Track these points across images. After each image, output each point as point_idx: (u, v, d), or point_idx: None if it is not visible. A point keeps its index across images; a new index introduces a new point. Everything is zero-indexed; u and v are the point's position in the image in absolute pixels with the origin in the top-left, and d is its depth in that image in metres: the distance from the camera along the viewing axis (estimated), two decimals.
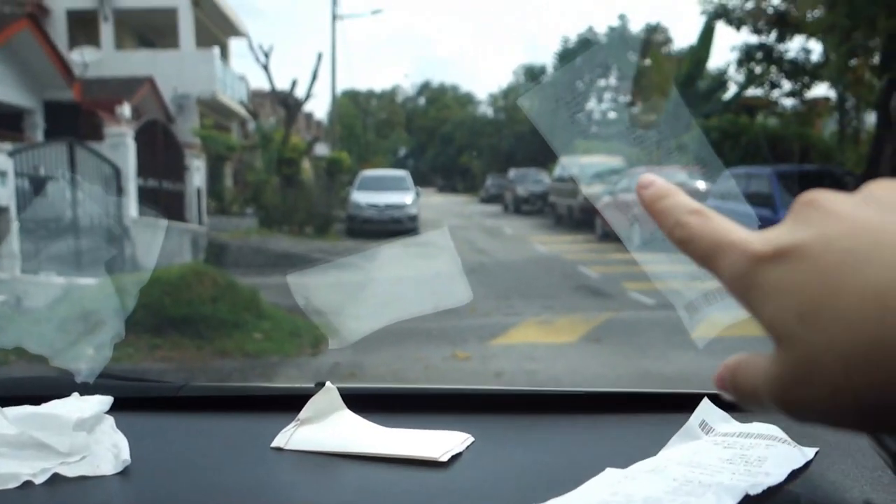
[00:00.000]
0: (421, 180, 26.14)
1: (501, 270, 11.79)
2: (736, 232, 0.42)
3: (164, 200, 13.69)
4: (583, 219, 19.25)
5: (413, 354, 6.20)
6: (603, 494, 0.68)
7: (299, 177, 19.18)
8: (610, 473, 0.74)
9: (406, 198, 18.83)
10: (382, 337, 4.07)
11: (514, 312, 8.29)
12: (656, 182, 0.49)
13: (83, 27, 20.14)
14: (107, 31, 20.87)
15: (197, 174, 15.25)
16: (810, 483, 0.74)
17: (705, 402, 0.87)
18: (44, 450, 0.75)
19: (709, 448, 0.80)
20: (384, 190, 18.93)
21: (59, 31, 19.14)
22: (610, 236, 16.78)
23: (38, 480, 0.73)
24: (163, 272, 7.81)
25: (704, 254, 0.43)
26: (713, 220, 0.44)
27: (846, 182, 12.31)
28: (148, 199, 12.69)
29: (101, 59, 17.82)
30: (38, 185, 9.69)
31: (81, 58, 16.72)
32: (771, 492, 0.70)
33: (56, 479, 0.74)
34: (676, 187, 0.49)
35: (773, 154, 14.45)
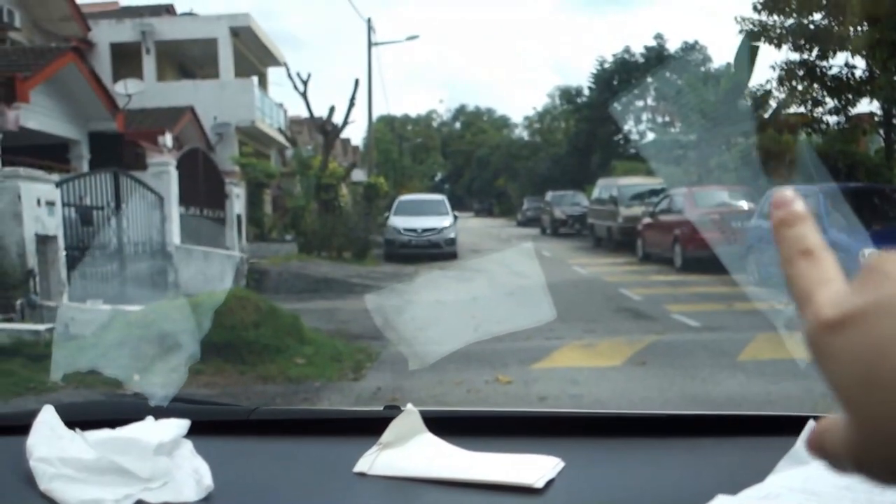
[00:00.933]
0: (457, 204, 26.19)
1: None
2: (822, 289, 0.41)
3: (205, 227, 13.87)
4: (623, 240, 19.07)
5: (454, 378, 6.13)
6: None
7: (337, 202, 19.32)
8: (722, 501, 0.69)
9: (444, 221, 18.82)
10: (421, 361, 4.01)
11: (555, 336, 8.18)
12: (789, 205, 0.46)
13: (126, 59, 20.65)
14: (149, 62, 21.37)
15: (237, 201, 15.45)
16: None
17: (812, 424, 0.82)
18: (125, 475, 0.73)
19: (822, 473, 0.74)
20: (421, 214, 18.96)
21: (103, 63, 19.67)
22: (651, 257, 16.58)
23: None
24: (205, 298, 7.84)
25: (798, 300, 0.42)
26: (815, 269, 0.43)
27: (895, 200, 12.03)
28: (190, 226, 12.88)
29: (143, 91, 18.20)
30: (84, 214, 9.89)
31: (125, 89, 17.10)
32: None
33: None
34: (807, 213, 0.46)
35: (818, 173, 14.18)
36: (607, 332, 8.52)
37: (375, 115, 32.20)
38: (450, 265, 16.76)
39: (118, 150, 14.68)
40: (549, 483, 0.77)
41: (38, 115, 12.78)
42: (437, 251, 18.04)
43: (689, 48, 40.92)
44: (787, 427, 0.83)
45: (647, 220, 16.98)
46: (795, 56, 18.96)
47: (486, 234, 27.80)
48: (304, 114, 21.18)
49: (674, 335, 8.19)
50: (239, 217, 15.56)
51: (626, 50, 42.08)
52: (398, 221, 18.83)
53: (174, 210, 12.02)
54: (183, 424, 0.81)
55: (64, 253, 8.72)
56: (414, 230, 18.42)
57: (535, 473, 0.76)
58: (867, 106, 19.95)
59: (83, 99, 14.28)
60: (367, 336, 8.45)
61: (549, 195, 30.69)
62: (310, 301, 11.57)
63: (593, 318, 9.42)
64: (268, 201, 20.23)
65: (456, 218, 19.81)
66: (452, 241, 18.61)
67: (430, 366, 4.10)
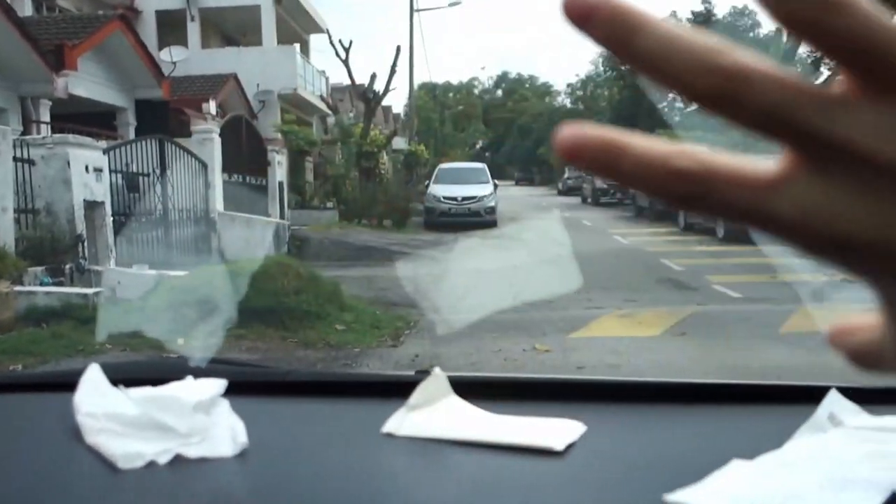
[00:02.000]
0: (498, 173, 26.07)
1: (581, 263, 11.57)
2: None
3: (247, 194, 14.04)
4: (664, 210, 18.82)
5: (492, 346, 6.17)
6: (733, 487, 0.65)
7: (378, 170, 19.37)
8: (737, 465, 0.70)
9: (484, 190, 18.77)
10: (461, 328, 4.06)
11: (594, 305, 8.15)
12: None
13: (171, 27, 20.82)
14: (193, 30, 21.51)
15: (279, 168, 15.58)
16: None
17: (833, 393, 0.82)
18: (165, 431, 0.77)
19: (841, 442, 0.75)
20: (462, 182, 18.92)
21: (148, 31, 19.86)
22: (694, 228, 16.35)
23: (162, 460, 0.74)
24: (247, 264, 8.00)
25: None
26: None
27: None
28: (232, 193, 13.04)
29: (188, 58, 18.36)
30: (130, 181, 10.08)
31: (170, 57, 17.27)
32: None
33: (177, 459, 0.75)
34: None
35: None
36: (647, 302, 8.46)
37: (417, 82, 32.10)
38: (489, 234, 16.76)
39: (163, 118, 14.88)
40: (571, 446, 0.79)
41: (85, 82, 13.00)
42: (476, 220, 18.01)
43: (738, 13, 39.80)
44: (809, 396, 0.84)
45: None
46: None
47: (526, 203, 27.64)
48: (346, 81, 21.19)
49: (714, 306, 8.10)
50: (281, 184, 15.71)
51: (673, 14, 41.05)
52: (438, 190, 18.82)
53: (217, 177, 12.18)
54: (221, 384, 0.85)
55: (111, 219, 8.92)
56: (454, 198, 18.40)
57: (556, 436, 0.78)
58: None
59: (129, 66, 14.47)
60: (405, 303, 8.52)
61: None
62: (350, 268, 11.68)
63: (634, 288, 9.36)
64: (309, 169, 20.36)
65: (496, 186, 19.72)
66: (492, 210, 18.55)
67: (468, 333, 4.14)
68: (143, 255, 9.69)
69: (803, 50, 21.36)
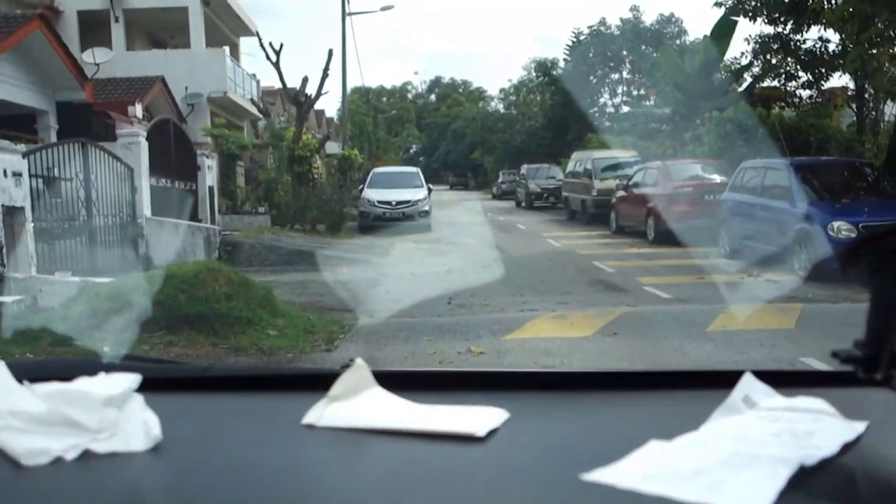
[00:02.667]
0: (433, 177, 26.10)
1: (515, 266, 11.73)
2: None
3: (176, 199, 13.71)
4: (597, 213, 19.16)
5: (427, 349, 6.17)
6: (649, 466, 0.66)
7: (311, 174, 19.17)
8: (654, 445, 0.71)
9: (418, 194, 18.80)
10: (396, 332, 4.09)
11: (528, 307, 8.24)
12: None
13: (94, 28, 20.19)
14: (117, 31, 20.92)
15: (209, 173, 15.28)
16: (864, 458, 0.72)
17: (748, 376, 0.84)
18: (73, 426, 0.74)
19: (754, 422, 0.77)
20: (396, 187, 18.91)
21: (70, 32, 19.19)
22: (625, 231, 16.69)
23: (69, 456, 0.71)
24: (177, 269, 7.81)
25: None
26: None
27: (866, 174, 12.16)
28: (161, 198, 12.72)
29: (112, 60, 17.84)
30: (52, 185, 9.72)
31: (93, 59, 16.75)
32: (825, 464, 0.67)
33: (87, 455, 0.72)
34: None
35: (790, 146, 14.30)
36: (580, 303, 8.59)
37: (350, 86, 31.87)
38: (424, 238, 16.77)
39: (87, 121, 14.42)
40: (493, 432, 0.79)
41: (4, 84, 12.51)
42: (411, 223, 18.02)
43: (665, 21, 40.88)
44: (726, 381, 0.86)
45: (620, 193, 17.06)
46: (770, 29, 19.06)
47: (461, 207, 27.79)
48: (278, 84, 20.92)
49: (645, 306, 8.27)
50: (211, 189, 15.40)
51: (602, 22, 41.90)
52: (372, 194, 18.78)
53: (144, 181, 11.86)
54: (133, 379, 0.82)
55: (31, 224, 8.58)
56: (388, 203, 18.38)
57: (478, 423, 0.78)
58: (840, 80, 20.13)
59: (50, 68, 13.98)
60: (340, 308, 8.46)
61: (525, 168, 30.72)
62: (283, 273, 11.53)
63: (567, 291, 9.48)
64: (240, 173, 20.03)
65: (430, 190, 19.78)
66: (427, 214, 18.60)
67: (403, 337, 4.14)
68: (66, 261, 9.36)
69: (728, 57, 22.04)
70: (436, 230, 18.04)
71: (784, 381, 0.87)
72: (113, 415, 0.75)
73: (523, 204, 29.14)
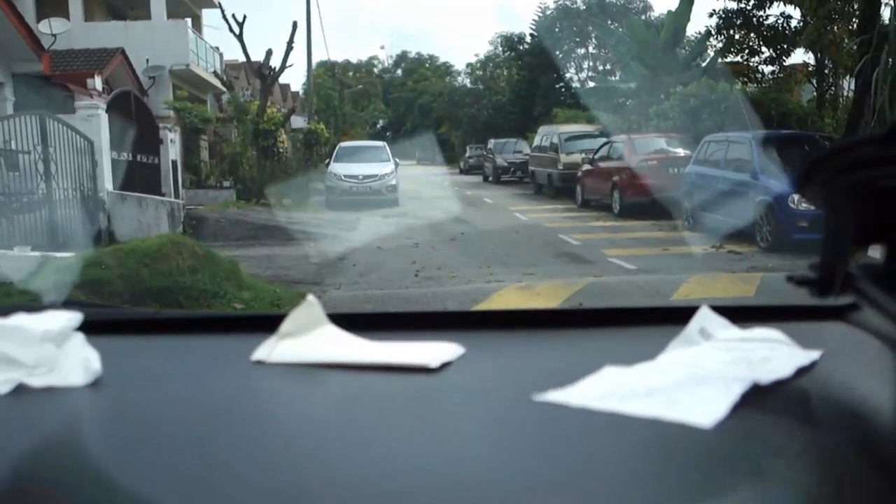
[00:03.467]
0: (400, 152, 25.94)
1: (482, 239, 11.74)
2: None
3: (138, 174, 13.47)
4: (563, 187, 19.22)
5: None
6: (603, 387, 0.65)
7: (276, 149, 18.94)
8: (609, 370, 0.70)
9: (385, 168, 18.66)
10: (363, 304, 4.06)
11: (495, 279, 8.25)
12: None
13: None
14: (75, 1, 20.37)
15: (172, 147, 15.02)
16: (817, 382, 0.71)
17: (704, 309, 0.84)
18: (8, 362, 0.71)
19: (710, 351, 0.77)
20: (362, 161, 18.75)
21: (25, 1, 18.64)
22: (590, 204, 16.78)
23: (3, 390, 0.68)
24: (139, 244, 7.70)
25: None
26: None
27: (824, 147, 12.34)
28: (122, 172, 12.48)
29: (69, 31, 17.36)
30: (9, 159, 9.48)
31: (49, 29, 16.28)
32: (779, 385, 0.67)
33: (22, 389, 0.69)
34: None
35: (752, 120, 14.45)
36: (546, 275, 8.63)
37: (315, 60, 31.47)
38: (391, 212, 16.69)
39: (45, 93, 14.03)
40: (447, 366, 0.77)
41: None
42: (378, 198, 17.92)
43: None
44: (681, 316, 0.85)
45: (586, 167, 17.11)
46: (733, 5, 19.18)
47: (428, 182, 27.69)
48: (241, 58, 20.56)
49: (610, 277, 8.34)
50: (174, 163, 15.15)
51: None
52: (339, 168, 18.60)
53: (105, 155, 11.62)
54: (73, 317, 0.78)
55: None
56: (355, 177, 18.23)
57: (432, 355, 0.77)
58: (801, 56, 20.37)
59: (5, 38, 13.54)
60: (307, 282, 8.41)
61: (492, 143, 30.67)
62: (249, 248, 11.40)
63: (533, 263, 9.52)
64: (204, 147, 19.72)
65: (397, 165, 19.66)
66: (394, 188, 18.49)
67: (371, 309, 4.12)
68: (25, 236, 9.15)
69: (691, 31, 22.15)
70: (403, 204, 17.97)
71: (740, 315, 0.87)
72: (50, 351, 0.72)
73: (490, 178, 29.13)
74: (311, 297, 0.86)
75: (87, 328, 0.81)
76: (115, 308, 0.98)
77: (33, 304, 0.81)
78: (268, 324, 0.88)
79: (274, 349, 0.80)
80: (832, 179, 0.63)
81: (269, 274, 8.93)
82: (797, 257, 8.64)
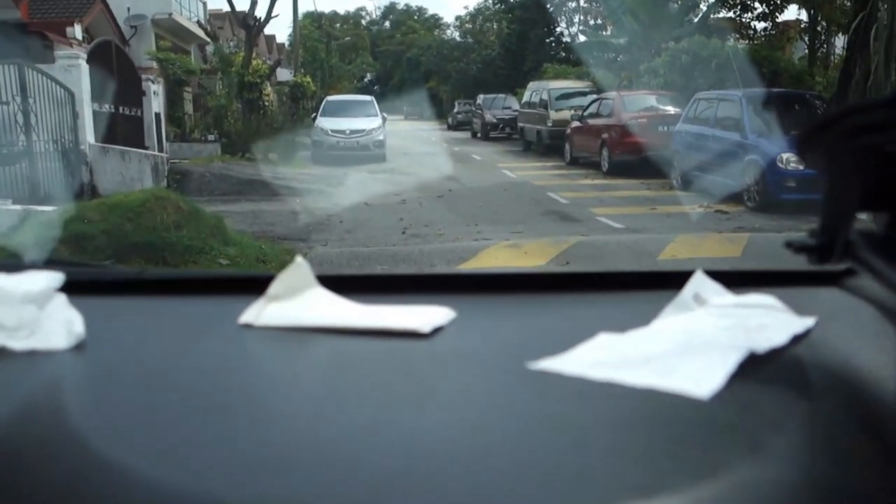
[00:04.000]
0: (387, 107, 25.68)
1: (470, 196, 11.72)
2: None
3: (121, 126, 13.28)
4: (552, 144, 19.13)
5: None
6: (598, 355, 0.64)
7: (262, 102, 18.69)
8: (603, 338, 0.69)
9: (372, 123, 18.48)
10: (349, 261, 4.04)
11: (482, 237, 8.26)
12: None
13: None
14: None
15: (155, 99, 14.79)
16: (813, 349, 0.71)
17: (698, 274, 0.83)
18: None
19: (704, 318, 0.76)
20: (350, 115, 18.55)
21: None
22: (579, 162, 16.73)
23: None
24: (123, 198, 7.63)
25: None
26: None
27: (816, 106, 12.30)
28: (104, 124, 12.30)
29: None
30: None
31: None
32: (774, 353, 0.66)
33: (3, 353, 0.68)
34: None
35: (744, 78, 14.36)
36: (534, 233, 8.64)
37: (301, 11, 30.94)
38: (379, 168, 16.59)
39: (22, 41, 13.70)
40: (439, 330, 0.76)
41: None
42: (365, 153, 17.78)
43: None
44: (675, 282, 0.84)
45: (575, 124, 17.01)
46: None
47: (415, 137, 27.50)
48: (226, 7, 20.17)
49: (598, 236, 8.36)
50: (157, 115, 14.93)
51: None
52: (326, 123, 18.40)
53: (86, 107, 11.43)
54: (55, 277, 0.76)
55: None
56: (342, 132, 18.05)
57: (423, 320, 0.76)
58: (794, 13, 20.21)
59: None
60: (293, 238, 8.38)
61: (481, 98, 30.39)
62: (234, 203, 11.33)
63: (521, 221, 9.52)
64: (188, 100, 19.43)
65: (385, 120, 19.48)
66: (381, 144, 18.34)
67: (358, 266, 4.11)
68: (5, 189, 9.04)
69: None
70: (390, 160, 17.86)
71: (735, 280, 0.86)
72: (32, 312, 0.70)
73: (479, 135, 28.95)
74: (299, 259, 0.84)
75: (69, 288, 0.79)
76: (98, 267, 0.96)
77: (15, 262, 0.79)
78: (255, 285, 0.86)
79: (262, 312, 0.78)
80: (836, 144, 0.61)
81: (255, 230, 8.89)
82: (785, 217, 8.68)
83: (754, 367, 0.63)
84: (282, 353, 0.73)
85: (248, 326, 0.78)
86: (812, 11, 17.70)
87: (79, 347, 0.70)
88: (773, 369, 0.64)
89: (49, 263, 0.80)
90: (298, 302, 0.81)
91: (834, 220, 0.66)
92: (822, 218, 0.67)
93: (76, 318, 0.73)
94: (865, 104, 0.57)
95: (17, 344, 0.68)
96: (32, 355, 0.68)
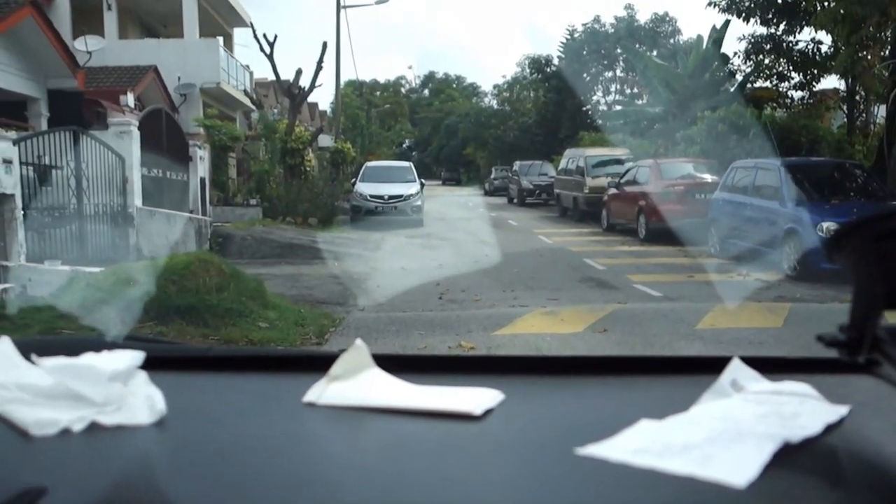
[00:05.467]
0: (425, 172, 26.08)
1: (506, 262, 11.77)
2: None
3: (167, 190, 13.68)
4: (588, 211, 19.21)
5: (418, 343, 6.19)
6: (640, 442, 0.68)
7: (303, 167, 19.15)
8: (645, 424, 0.74)
9: (410, 189, 18.79)
10: (387, 326, 4.11)
11: (519, 304, 8.26)
12: None
13: (87, 16, 20.07)
14: (110, 19, 20.82)
15: (201, 164, 15.23)
16: (846, 438, 0.74)
17: (735, 361, 0.87)
18: (79, 400, 0.76)
19: (741, 404, 0.80)
20: (388, 181, 18.89)
21: (62, 19, 19.08)
22: (616, 228, 16.74)
23: (77, 428, 0.73)
24: (168, 260, 7.78)
25: None
26: None
27: (855, 175, 12.23)
28: (152, 188, 12.68)
29: (104, 48, 17.75)
30: (42, 173, 9.68)
31: (85, 46, 16.66)
32: (809, 442, 0.70)
33: (94, 427, 0.74)
34: None
35: (782, 147, 14.36)
36: (570, 300, 8.62)
37: (343, 79, 31.82)
38: (416, 233, 16.79)
39: (78, 109, 14.35)
40: (489, 412, 0.81)
41: None
42: (403, 218, 18.03)
43: (660, 20, 40.97)
44: (714, 366, 0.88)
45: (612, 190, 17.10)
46: (763, 30, 19.14)
47: (453, 203, 27.80)
48: (271, 76, 20.87)
49: (635, 304, 8.32)
50: (202, 180, 15.36)
51: (597, 20, 42.05)
52: (365, 188, 18.75)
53: (136, 171, 11.82)
54: (137, 356, 0.83)
55: (21, 212, 8.55)
56: (380, 197, 18.37)
57: (475, 402, 0.81)
58: (832, 82, 20.23)
59: (42, 55, 13.90)
60: (331, 302, 8.47)
61: (517, 165, 30.76)
62: (274, 266, 11.52)
63: (557, 287, 9.52)
64: (232, 165, 20.00)
65: (423, 185, 19.78)
66: (419, 209, 18.60)
67: (395, 331, 4.17)
68: (55, 250, 9.32)
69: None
70: (427, 225, 18.06)
71: (770, 366, 0.90)
72: (118, 389, 0.77)
73: (515, 200, 29.18)
74: (359, 342, 0.91)
75: (145, 363, 0.86)
76: (171, 343, 1.03)
77: (98, 338, 0.86)
78: (314, 363, 0.92)
79: (324, 391, 0.84)
80: (862, 247, 0.66)
81: (294, 293, 9.01)
82: (826, 287, 8.56)
83: (789, 456, 0.67)
84: (344, 432, 0.78)
85: (311, 405, 0.84)
86: (850, 81, 17.72)
87: (160, 423, 0.77)
88: (808, 459, 0.68)
89: (128, 339, 0.87)
90: (358, 382, 0.87)
91: (862, 316, 0.70)
92: (852, 314, 0.71)
93: (157, 395, 0.80)
94: (890, 211, 0.62)
95: (107, 419, 0.75)
96: (120, 430, 0.75)
